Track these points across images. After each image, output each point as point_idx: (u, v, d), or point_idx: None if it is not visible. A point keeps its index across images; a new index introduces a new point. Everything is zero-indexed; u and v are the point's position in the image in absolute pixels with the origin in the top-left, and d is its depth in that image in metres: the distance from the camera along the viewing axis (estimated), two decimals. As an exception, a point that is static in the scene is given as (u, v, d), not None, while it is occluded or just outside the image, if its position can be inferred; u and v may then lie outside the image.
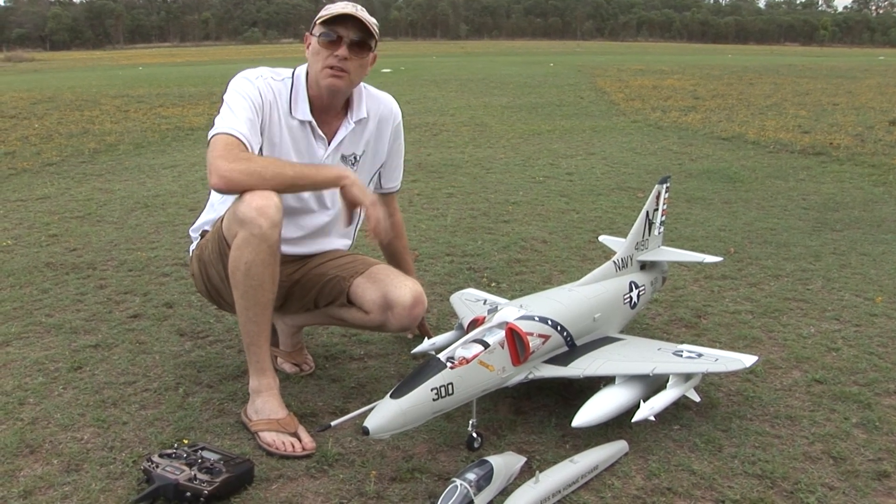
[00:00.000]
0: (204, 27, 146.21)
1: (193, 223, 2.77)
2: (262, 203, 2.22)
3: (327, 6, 2.46)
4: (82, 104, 13.41)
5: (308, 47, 2.51)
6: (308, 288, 2.67)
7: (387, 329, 2.59)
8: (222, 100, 2.41)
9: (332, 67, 2.43)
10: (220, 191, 2.27)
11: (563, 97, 14.23)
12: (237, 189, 2.24)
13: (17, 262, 4.24)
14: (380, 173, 2.81)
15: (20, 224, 5.13)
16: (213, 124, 2.34)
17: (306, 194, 2.60)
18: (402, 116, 2.81)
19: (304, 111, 2.51)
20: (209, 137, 2.32)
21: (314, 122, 2.53)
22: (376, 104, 2.68)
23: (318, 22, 2.45)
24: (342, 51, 2.41)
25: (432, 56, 39.57)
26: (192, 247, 2.72)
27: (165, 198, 5.94)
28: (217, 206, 2.63)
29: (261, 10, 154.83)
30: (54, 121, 11.02)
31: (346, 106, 2.61)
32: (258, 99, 2.42)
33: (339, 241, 2.81)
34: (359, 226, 2.87)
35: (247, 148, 2.30)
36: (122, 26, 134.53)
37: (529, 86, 17.04)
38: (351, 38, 2.42)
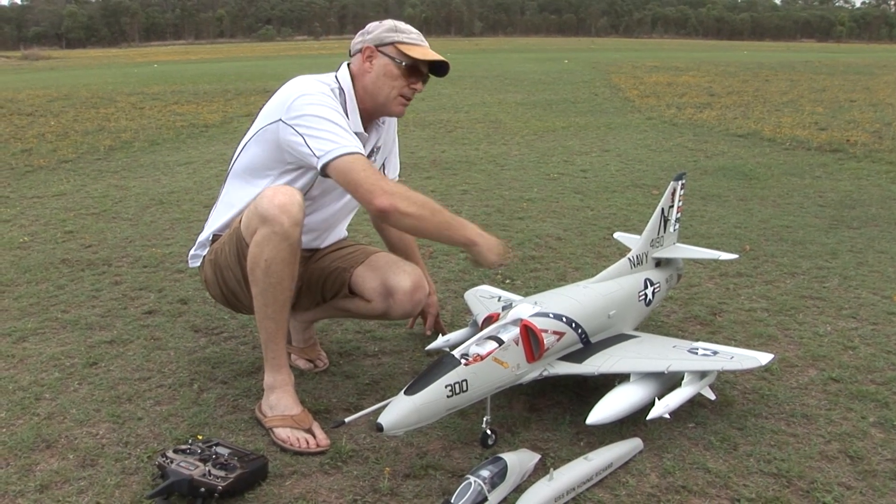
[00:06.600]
0: (218, 25, 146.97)
1: (194, 243, 2.70)
2: (286, 200, 2.21)
3: (404, 31, 2.46)
4: (98, 102, 13.50)
5: (369, 59, 2.44)
6: (315, 282, 2.70)
7: (391, 316, 2.61)
8: (307, 113, 2.28)
9: (406, 97, 2.48)
10: (385, 214, 2.22)
11: (577, 94, 14.18)
12: (402, 218, 2.25)
13: (33, 258, 4.27)
14: (384, 164, 2.84)
15: (36, 221, 5.17)
16: (324, 139, 2.24)
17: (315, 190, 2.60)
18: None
19: (356, 123, 2.47)
20: (335, 154, 2.21)
21: (365, 134, 2.53)
22: None
23: (398, 46, 2.42)
24: (421, 86, 2.49)
25: (446, 53, 39.29)
26: (197, 263, 2.67)
27: (180, 195, 5.97)
28: (221, 208, 2.60)
29: (275, 7, 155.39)
30: (70, 118, 11.10)
31: None
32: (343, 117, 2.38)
33: (343, 230, 2.86)
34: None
35: None
36: (137, 24, 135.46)
37: (544, 82, 17.00)
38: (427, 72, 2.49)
